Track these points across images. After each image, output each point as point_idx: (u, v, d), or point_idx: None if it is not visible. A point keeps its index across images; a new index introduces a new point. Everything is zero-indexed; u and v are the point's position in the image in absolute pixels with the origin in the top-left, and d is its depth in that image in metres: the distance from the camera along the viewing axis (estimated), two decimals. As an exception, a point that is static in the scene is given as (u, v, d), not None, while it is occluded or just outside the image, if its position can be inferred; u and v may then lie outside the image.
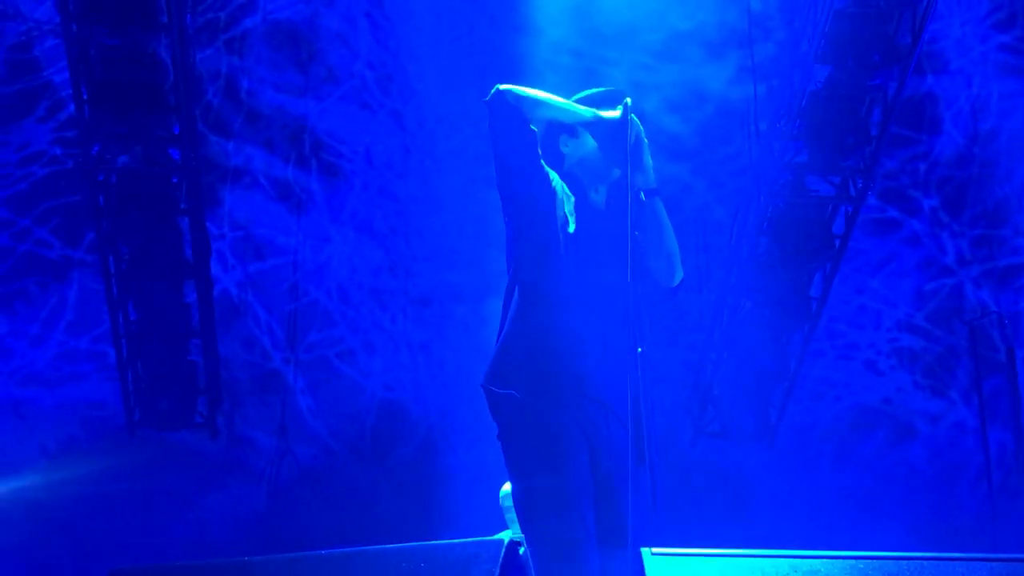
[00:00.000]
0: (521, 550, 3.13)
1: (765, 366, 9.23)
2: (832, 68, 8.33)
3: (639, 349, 3.37)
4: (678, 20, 9.51)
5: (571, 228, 3.80)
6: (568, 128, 3.96)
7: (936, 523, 9.26)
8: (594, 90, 3.99)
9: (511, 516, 6.33)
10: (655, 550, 3.24)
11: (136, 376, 8.86)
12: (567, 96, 3.95)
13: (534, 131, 3.79)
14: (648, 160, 3.80)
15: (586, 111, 3.84)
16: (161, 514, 9.01)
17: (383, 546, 3.13)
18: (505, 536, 6.59)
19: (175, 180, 8.43)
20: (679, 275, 3.91)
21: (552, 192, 3.83)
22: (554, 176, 3.89)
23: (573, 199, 3.89)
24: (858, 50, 8.18)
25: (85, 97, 8.04)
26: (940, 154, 10.05)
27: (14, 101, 9.38)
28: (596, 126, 3.84)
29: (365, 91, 9.79)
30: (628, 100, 3.79)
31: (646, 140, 3.81)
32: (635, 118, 3.79)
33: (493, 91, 3.74)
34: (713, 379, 9.45)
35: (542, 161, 3.85)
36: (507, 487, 6.40)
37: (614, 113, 3.81)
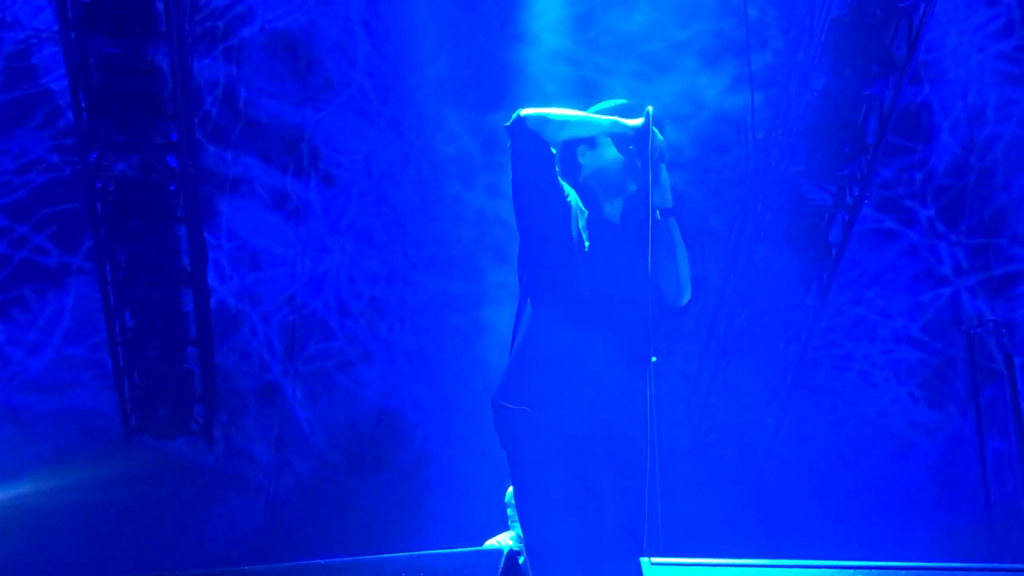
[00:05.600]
0: (521, 559, 3.13)
1: (762, 375, 9.23)
2: (829, 77, 8.34)
3: (653, 359, 3.40)
4: (675, 29, 9.53)
5: (585, 244, 3.81)
6: (587, 139, 3.96)
7: (934, 533, 9.26)
8: (614, 102, 4.00)
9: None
10: (654, 560, 3.25)
11: (132, 384, 8.86)
12: (587, 107, 3.95)
13: (553, 153, 3.81)
14: (666, 179, 3.82)
15: (604, 120, 3.85)
16: (158, 524, 8.99)
17: (382, 556, 3.13)
18: (509, 537, 6.64)
19: (172, 188, 8.42)
20: (687, 296, 3.94)
21: (567, 208, 3.84)
22: (570, 191, 3.90)
23: (587, 213, 3.89)
24: (855, 59, 8.19)
25: (83, 105, 8.04)
26: (937, 163, 10.05)
27: (12, 109, 9.38)
28: (618, 134, 3.85)
29: (363, 100, 9.80)
30: (650, 109, 3.81)
31: (666, 157, 3.82)
32: (656, 130, 3.80)
33: (514, 116, 3.76)
34: (711, 388, 9.45)
35: (558, 177, 3.86)
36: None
37: (635, 121, 3.82)
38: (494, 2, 9.63)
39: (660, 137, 3.81)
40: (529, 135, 3.75)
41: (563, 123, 3.80)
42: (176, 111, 8.11)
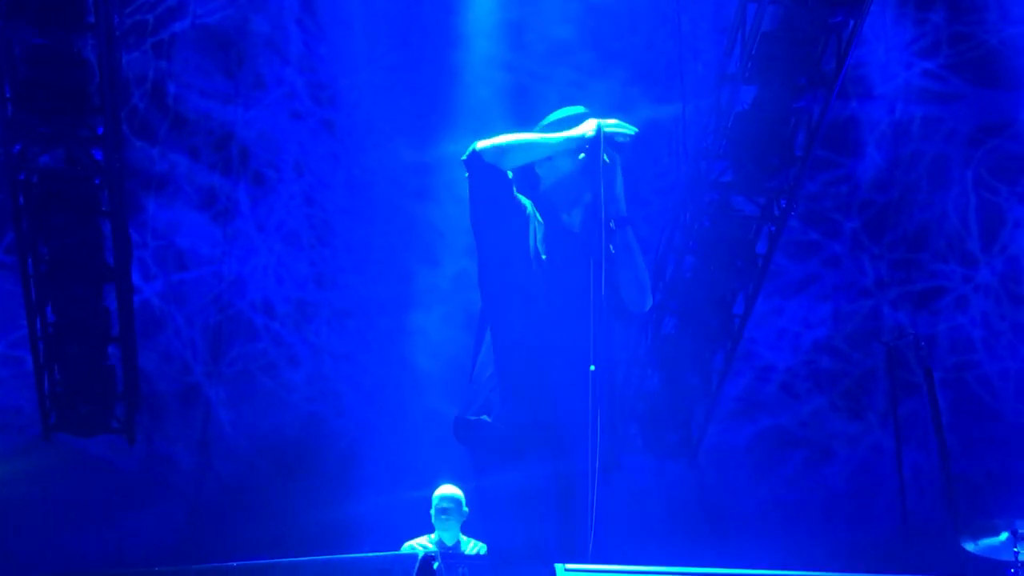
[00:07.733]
0: (435, 564, 3.12)
1: (688, 383, 9.30)
2: (759, 90, 8.43)
3: (592, 367, 3.45)
4: (609, 39, 9.59)
5: (543, 256, 3.84)
6: None
7: (852, 543, 9.37)
8: (571, 110, 4.01)
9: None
10: (569, 566, 3.25)
11: (53, 380, 8.73)
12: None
13: (509, 177, 3.83)
14: (619, 189, 3.85)
15: (558, 138, 3.87)
16: (76, 524, 8.85)
17: (296, 559, 3.10)
18: (429, 539, 6.78)
19: (97, 182, 8.30)
20: (649, 302, 3.98)
21: (525, 223, 3.87)
22: (527, 203, 3.93)
23: (544, 224, 3.92)
24: (784, 73, 8.28)
25: (8, 95, 7.90)
26: (862, 177, 10.19)
27: (-66, 98, 9.18)
28: (570, 149, 3.87)
29: (295, 99, 9.72)
30: (600, 122, 3.83)
31: (619, 168, 3.84)
32: (624, 126, 3.82)
33: (470, 151, 3.77)
34: (637, 395, 9.50)
35: (515, 192, 3.88)
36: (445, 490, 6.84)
37: (586, 127, 3.84)
38: (430, 6, 9.62)
39: (625, 134, 3.83)
40: (486, 168, 3.78)
41: (519, 150, 3.84)
42: (103, 104, 8.00)
